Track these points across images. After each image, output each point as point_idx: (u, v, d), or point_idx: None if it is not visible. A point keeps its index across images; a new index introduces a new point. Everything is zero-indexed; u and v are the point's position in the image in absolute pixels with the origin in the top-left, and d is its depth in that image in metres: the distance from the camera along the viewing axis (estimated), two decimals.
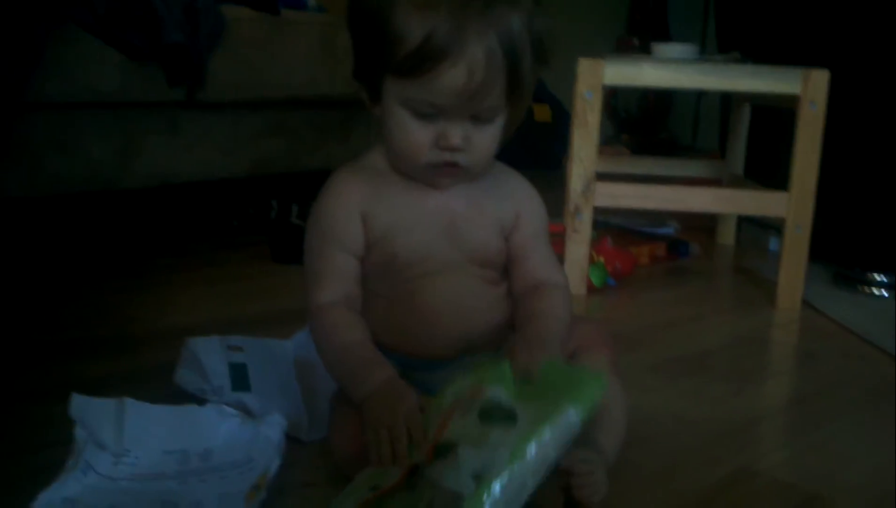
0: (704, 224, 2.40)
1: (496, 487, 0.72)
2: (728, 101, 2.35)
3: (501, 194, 0.95)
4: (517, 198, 0.96)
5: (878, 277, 1.84)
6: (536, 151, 3.17)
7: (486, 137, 0.87)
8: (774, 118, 2.11)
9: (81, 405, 0.91)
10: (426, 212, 0.91)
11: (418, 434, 0.79)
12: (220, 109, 2.04)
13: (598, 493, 0.83)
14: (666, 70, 1.71)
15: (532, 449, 0.74)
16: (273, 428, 0.91)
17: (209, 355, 1.11)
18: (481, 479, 0.72)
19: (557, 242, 1.55)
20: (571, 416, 0.76)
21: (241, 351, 1.11)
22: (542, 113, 3.50)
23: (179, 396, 1.09)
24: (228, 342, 1.12)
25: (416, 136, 0.85)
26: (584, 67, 1.67)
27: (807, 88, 1.63)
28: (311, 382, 1.07)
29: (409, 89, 0.83)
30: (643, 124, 3.94)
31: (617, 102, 3.97)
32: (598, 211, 1.68)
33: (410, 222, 0.91)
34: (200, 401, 1.05)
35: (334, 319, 0.90)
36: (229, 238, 2.15)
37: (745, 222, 2.37)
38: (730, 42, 2.37)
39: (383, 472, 0.80)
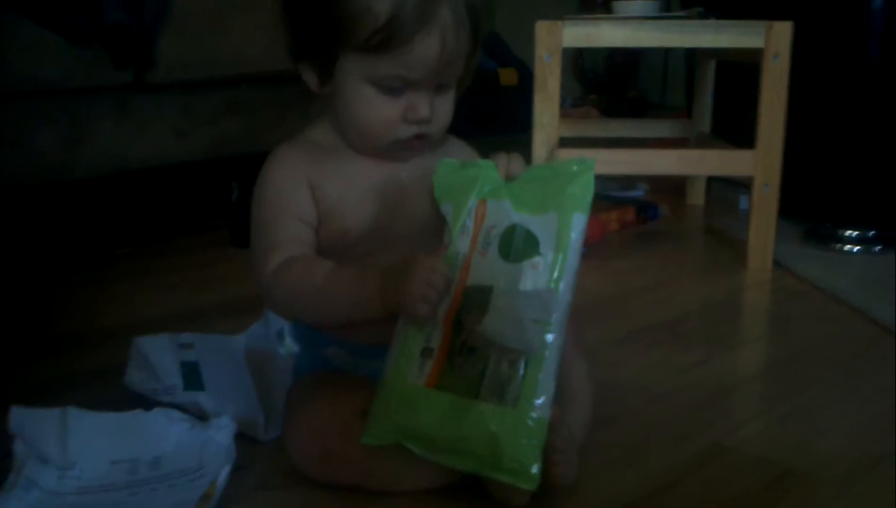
0: (674, 185, 2.37)
1: (550, 337, 0.78)
2: (693, 58, 2.30)
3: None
4: None
5: (849, 232, 1.81)
6: (504, 115, 3.12)
7: (448, 104, 0.86)
8: (740, 74, 2.07)
9: (21, 418, 0.87)
10: (375, 184, 0.88)
11: (445, 282, 0.78)
12: (171, 89, 1.97)
13: (571, 474, 0.82)
14: (626, 29, 1.66)
15: (567, 275, 0.80)
16: (222, 432, 0.87)
17: (159, 354, 1.07)
18: (542, 325, 0.77)
19: None
20: (581, 218, 0.82)
21: (192, 348, 1.07)
22: (509, 77, 3.45)
23: (133, 398, 1.05)
24: (179, 340, 1.08)
25: (384, 112, 0.83)
26: (542, 29, 1.62)
27: (770, 40, 1.59)
28: (266, 377, 1.04)
29: (376, 66, 0.80)
30: (611, 84, 3.90)
31: (584, 63, 3.92)
32: None
33: (360, 195, 0.88)
34: (153, 402, 1.02)
35: (299, 266, 0.84)
36: (189, 224, 2.10)
37: (714, 180, 2.34)
38: None
39: (417, 333, 0.80)
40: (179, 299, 1.52)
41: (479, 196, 0.84)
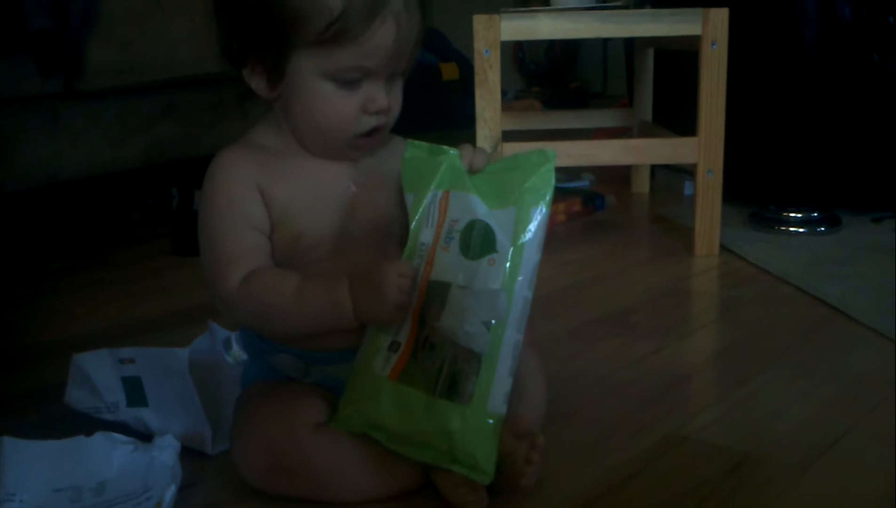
0: (619, 174, 2.37)
1: (506, 334, 0.78)
2: (632, 47, 2.31)
3: (394, 159, 0.88)
4: None
5: (793, 214, 1.83)
6: (446, 111, 3.11)
7: (399, 93, 0.86)
8: (679, 61, 2.08)
9: None
10: (325, 186, 0.86)
11: (413, 283, 0.79)
12: (102, 96, 1.91)
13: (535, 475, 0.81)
14: (563, 20, 1.65)
15: (525, 271, 0.79)
16: (167, 451, 0.84)
17: (99, 370, 1.03)
18: (489, 324, 0.77)
19: None
20: (541, 212, 0.81)
21: (134, 363, 1.03)
22: (450, 72, 3.43)
23: (74, 418, 1.01)
24: (118, 355, 1.03)
25: (342, 106, 0.81)
26: (480, 23, 1.61)
27: (707, 27, 1.60)
28: (212, 390, 1.00)
29: (332, 59, 0.79)
30: (553, 75, 3.91)
31: (524, 55, 3.93)
32: None
33: (311, 198, 0.85)
34: (95, 421, 0.98)
35: (266, 279, 0.81)
36: (129, 233, 2.05)
37: (658, 168, 2.36)
38: None
39: (385, 329, 0.80)
40: (121, 312, 1.48)
41: (442, 187, 0.83)
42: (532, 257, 0.81)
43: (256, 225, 0.83)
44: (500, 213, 0.81)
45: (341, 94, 0.81)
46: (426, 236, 0.82)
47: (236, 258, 0.82)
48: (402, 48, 0.81)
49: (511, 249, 0.80)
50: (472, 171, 0.85)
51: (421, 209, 0.82)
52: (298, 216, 0.84)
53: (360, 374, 0.81)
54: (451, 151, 0.85)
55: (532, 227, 0.80)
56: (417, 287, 0.79)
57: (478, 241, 0.80)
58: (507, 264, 0.79)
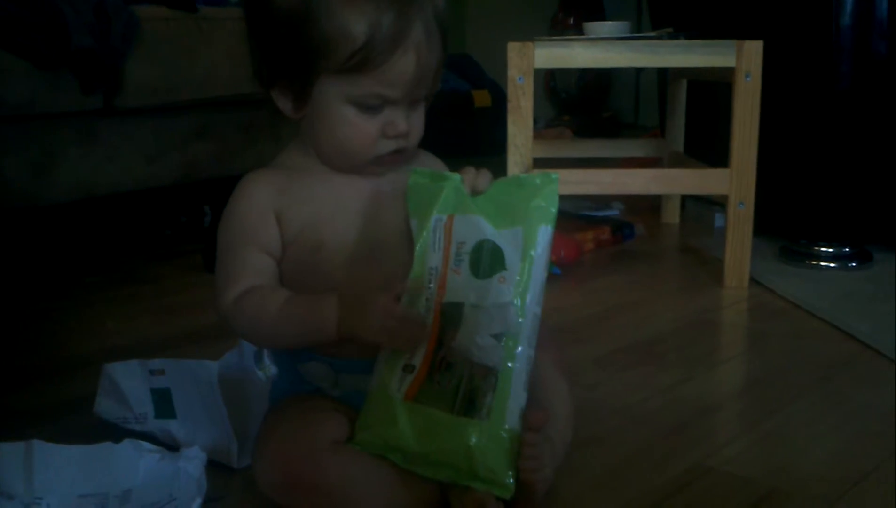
0: (649, 203, 2.37)
1: (519, 349, 0.80)
2: (665, 78, 2.32)
3: None
4: None
5: (824, 249, 1.82)
6: (479, 137, 3.13)
7: (421, 117, 0.88)
8: (711, 93, 2.08)
9: None
10: (348, 199, 0.88)
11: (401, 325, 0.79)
12: (140, 114, 1.95)
13: (545, 476, 0.81)
14: (597, 49, 1.66)
15: (533, 287, 0.81)
16: (193, 463, 0.85)
17: (129, 380, 1.04)
18: (501, 338, 0.79)
19: None
20: (547, 230, 0.83)
21: (164, 375, 1.04)
22: (483, 99, 3.46)
23: (103, 428, 1.02)
24: (149, 366, 1.05)
25: (364, 130, 0.84)
26: (514, 50, 1.62)
27: (741, 59, 1.60)
28: (240, 404, 1.01)
29: (355, 85, 0.82)
30: (584, 104, 3.91)
31: (556, 84, 3.94)
32: None
33: (334, 209, 0.88)
34: (123, 431, 0.99)
35: (256, 296, 0.84)
36: (162, 250, 2.07)
37: (689, 199, 2.35)
38: (663, 18, 2.34)
39: (400, 353, 0.81)
40: (151, 327, 1.50)
41: (444, 211, 0.85)
42: (540, 273, 0.83)
43: (264, 248, 0.87)
44: (507, 232, 0.84)
45: (363, 117, 0.84)
46: (434, 260, 0.84)
47: (237, 276, 0.86)
48: (422, 77, 0.83)
49: (519, 265, 0.82)
50: (475, 193, 0.87)
51: (424, 234, 0.84)
52: (321, 227, 0.87)
53: (374, 397, 0.82)
54: (454, 176, 0.87)
55: (539, 245, 0.83)
56: (432, 310, 0.81)
57: (487, 260, 0.82)
58: (517, 280, 0.81)
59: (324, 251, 0.87)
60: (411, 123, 0.86)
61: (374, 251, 0.87)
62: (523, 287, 0.81)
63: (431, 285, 0.83)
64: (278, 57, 0.84)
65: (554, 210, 0.85)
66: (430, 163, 0.95)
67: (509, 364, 0.79)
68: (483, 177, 0.88)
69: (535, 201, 0.84)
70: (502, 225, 0.84)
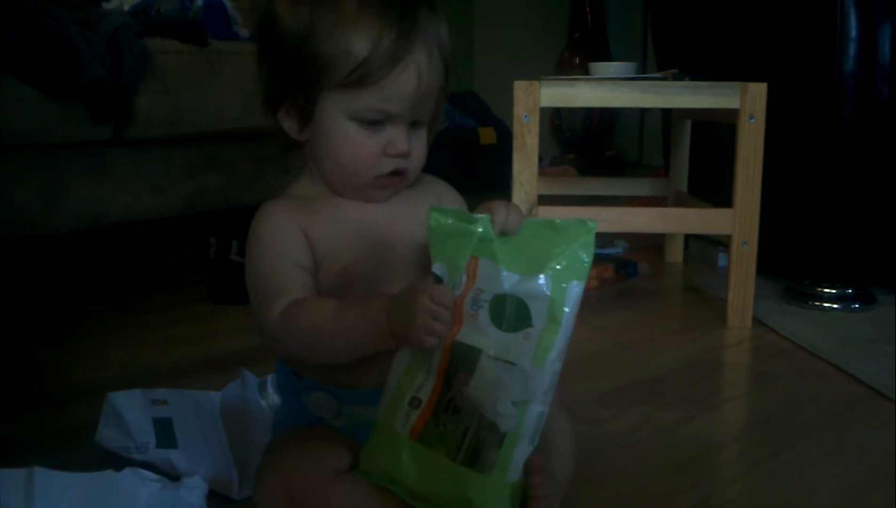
0: (653, 242, 2.38)
1: (532, 407, 0.75)
2: (669, 118, 2.33)
3: (431, 198, 0.92)
4: (448, 201, 0.94)
5: (827, 290, 1.82)
6: (484, 173, 3.14)
7: (423, 141, 0.89)
8: (715, 133, 2.10)
9: None
10: (365, 223, 0.89)
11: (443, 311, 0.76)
12: (149, 145, 1.96)
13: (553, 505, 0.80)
14: (602, 89, 1.68)
15: (558, 346, 0.76)
16: (194, 492, 0.85)
17: (132, 410, 1.04)
18: (519, 405, 0.75)
19: None
20: (578, 286, 0.77)
21: (166, 405, 1.04)
22: (488, 136, 3.48)
23: (104, 457, 1.02)
24: (152, 396, 1.05)
25: (365, 146, 0.85)
26: (521, 89, 1.64)
27: (745, 101, 1.61)
28: (242, 434, 1.01)
29: (357, 100, 0.83)
30: (588, 143, 3.93)
31: (561, 122, 3.96)
32: None
33: (354, 234, 0.88)
34: (124, 460, 0.99)
35: (305, 306, 0.83)
36: (167, 280, 2.08)
37: (692, 238, 2.36)
38: (668, 59, 2.37)
39: (409, 381, 0.79)
40: (156, 356, 1.50)
41: (472, 253, 0.80)
42: (567, 330, 0.77)
43: (300, 262, 0.86)
44: (534, 284, 0.77)
45: (364, 134, 0.85)
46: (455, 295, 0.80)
47: (280, 291, 0.84)
48: (424, 96, 0.85)
49: (545, 324, 0.76)
50: (505, 232, 0.82)
51: (454, 282, 0.79)
52: (344, 251, 0.87)
53: (380, 429, 0.80)
54: (482, 218, 0.80)
55: (569, 302, 0.76)
56: (450, 325, 0.77)
57: (512, 314, 0.77)
58: (543, 340, 0.76)
59: (349, 275, 0.87)
60: (412, 146, 0.87)
61: (394, 275, 0.88)
62: (547, 346, 0.76)
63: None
64: (284, 74, 0.86)
65: (588, 263, 0.77)
66: (444, 192, 0.95)
67: (520, 424, 0.75)
68: (514, 218, 0.82)
69: (568, 253, 0.77)
70: (527, 271, 0.77)
